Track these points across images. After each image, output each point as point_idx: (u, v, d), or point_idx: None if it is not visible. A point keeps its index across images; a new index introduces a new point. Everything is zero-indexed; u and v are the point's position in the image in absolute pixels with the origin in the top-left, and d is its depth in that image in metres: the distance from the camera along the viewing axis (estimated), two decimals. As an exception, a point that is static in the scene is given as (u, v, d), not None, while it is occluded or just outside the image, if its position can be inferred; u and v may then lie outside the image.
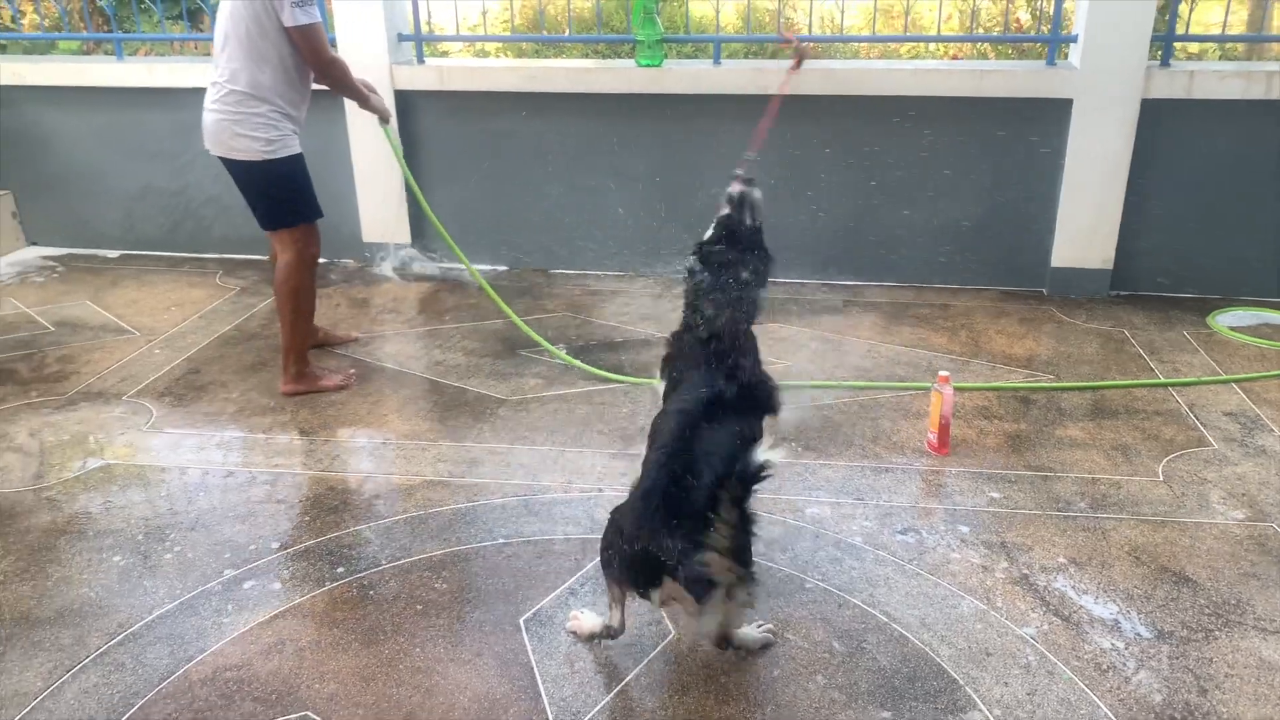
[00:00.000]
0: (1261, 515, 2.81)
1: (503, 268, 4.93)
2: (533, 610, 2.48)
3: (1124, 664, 2.26)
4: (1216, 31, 5.14)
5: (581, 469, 3.11)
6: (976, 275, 4.57)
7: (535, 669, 2.29)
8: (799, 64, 3.72)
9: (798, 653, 2.32)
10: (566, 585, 2.57)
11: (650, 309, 4.38)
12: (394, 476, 3.10)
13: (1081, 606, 2.46)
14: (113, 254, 5.27)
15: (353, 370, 3.78)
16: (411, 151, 4.78)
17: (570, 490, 3.00)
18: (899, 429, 3.32)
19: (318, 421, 3.45)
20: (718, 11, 4.91)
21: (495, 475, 3.09)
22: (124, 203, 5.21)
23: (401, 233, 4.92)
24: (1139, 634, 2.36)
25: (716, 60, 4.61)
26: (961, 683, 2.21)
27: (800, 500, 2.92)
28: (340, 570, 2.65)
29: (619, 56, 5.37)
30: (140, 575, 2.64)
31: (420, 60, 4.80)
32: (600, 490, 2.99)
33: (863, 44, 6.13)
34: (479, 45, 6.36)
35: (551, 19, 6.14)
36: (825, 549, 2.70)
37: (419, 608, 2.50)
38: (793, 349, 3.94)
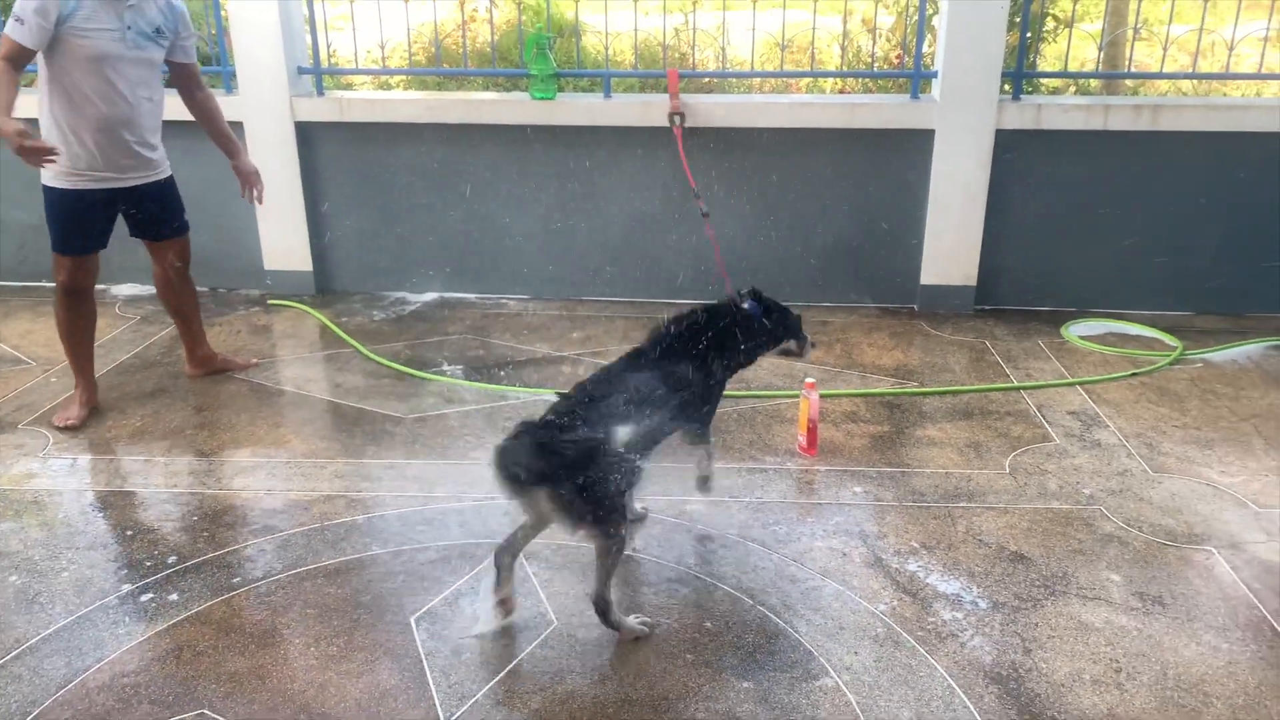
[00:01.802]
0: (1092, 500, 3.11)
1: (404, 294, 5.05)
2: (424, 609, 2.62)
3: (962, 632, 2.51)
4: (1076, 68, 5.58)
5: (475, 480, 3.26)
6: (853, 294, 4.88)
7: (424, 661, 2.43)
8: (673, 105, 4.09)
9: (670, 634, 2.51)
10: (456, 586, 2.71)
11: (547, 330, 4.57)
12: (292, 493, 3.20)
13: (928, 584, 2.71)
14: (14, 284, 5.24)
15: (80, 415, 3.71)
16: (312, 181, 4.90)
17: (464, 500, 3.15)
18: (773, 433, 3.56)
19: (216, 443, 3.53)
20: (607, 47, 5.15)
21: (391, 489, 3.22)
22: (19, 233, 5.19)
23: (303, 260, 5.02)
24: (977, 605, 2.62)
25: (607, 94, 4.86)
26: (816, 654, 2.43)
27: (680, 500, 3.12)
28: (237, 580, 2.74)
29: (518, 89, 5.58)
30: (37, 593, 2.69)
31: (320, 93, 4.94)
32: (493, 499, 3.14)
33: (756, 78, 6.47)
34: (382, 77, 6.50)
35: (450, 52, 6.33)
36: (698, 543, 2.90)
37: (313, 612, 2.61)
38: (680, 364, 4.16)
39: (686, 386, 2.67)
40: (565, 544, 2.90)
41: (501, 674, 2.38)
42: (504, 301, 4.97)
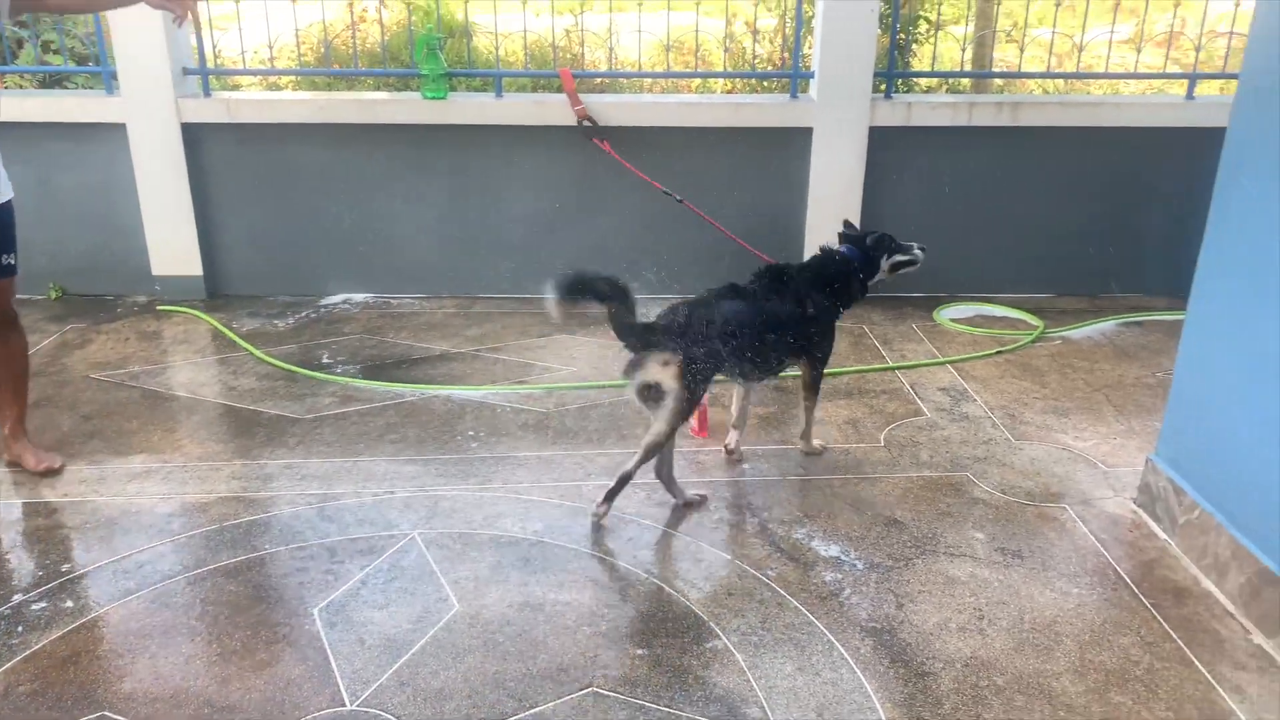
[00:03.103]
0: (959, 467, 3.35)
1: (299, 296, 5.03)
2: (326, 601, 2.67)
3: (841, 591, 2.69)
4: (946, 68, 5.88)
5: (374, 475, 3.32)
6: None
7: (329, 650, 2.48)
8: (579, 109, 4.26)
9: (567, 610, 2.62)
10: (358, 577, 2.77)
11: (444, 327, 4.62)
12: (188, 496, 3.20)
13: (811, 549, 2.88)
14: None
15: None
16: (201, 183, 4.85)
17: (363, 495, 3.20)
18: (667, 419, 3.70)
19: (110, 450, 3.48)
20: (497, 47, 5.23)
21: (289, 488, 3.24)
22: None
23: (193, 264, 4.95)
24: (855, 567, 2.80)
25: (499, 93, 4.94)
26: (706, 619, 2.57)
27: (579, 485, 3.24)
28: (134, 585, 2.74)
29: (410, 89, 5.61)
30: (-79, 605, 2.64)
31: (206, 94, 4.88)
32: (392, 493, 3.21)
33: (646, 79, 6.63)
34: (271, 78, 6.43)
35: (340, 52, 6.31)
36: (598, 524, 3.02)
37: (214, 610, 2.64)
38: (579, 357, 4.27)
39: (802, 320, 3.21)
40: (466, 532, 2.99)
41: (405, 657, 2.45)
42: (401, 300, 5.00)
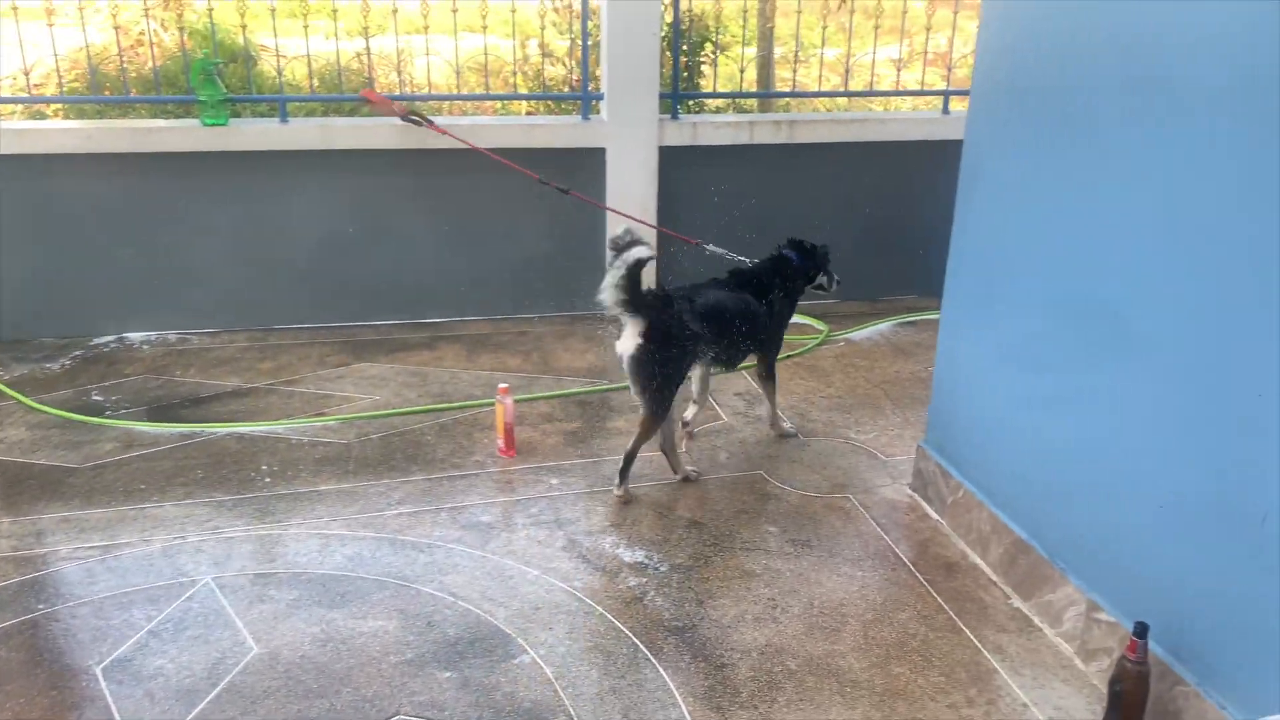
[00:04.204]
0: (754, 466, 3.53)
1: (76, 337, 4.70)
2: (110, 658, 2.52)
3: (645, 594, 2.78)
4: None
5: (162, 521, 3.15)
6: (547, 304, 5.14)
7: (113, 708, 2.34)
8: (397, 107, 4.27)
9: (371, 642, 2.58)
10: (147, 629, 2.63)
11: (237, 362, 4.44)
12: (-52, 560, 2.94)
13: (616, 557, 2.96)
14: None
15: None
16: (-51, 222, 4.46)
17: (150, 543, 3.03)
18: (474, 441, 3.70)
19: None
20: (280, 71, 5.09)
21: (67, 541, 3.03)
22: None
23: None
24: (658, 570, 2.91)
25: (284, 118, 4.80)
26: (514, 635, 2.60)
27: (382, 515, 3.19)
28: (-118, 660, 2.50)
29: (191, 116, 5.36)
30: None
31: (-47, 125, 4.50)
32: (182, 538, 3.06)
33: (444, 101, 6.60)
34: (36, 106, 5.98)
35: (110, 78, 5.95)
36: (402, 551, 2.99)
37: (-19, 679, 2.44)
38: (380, 384, 4.20)
39: (760, 314, 3.52)
40: (263, 572, 2.89)
41: (199, 707, 2.35)
42: (189, 337, 4.76)
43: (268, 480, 3.40)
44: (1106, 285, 2.41)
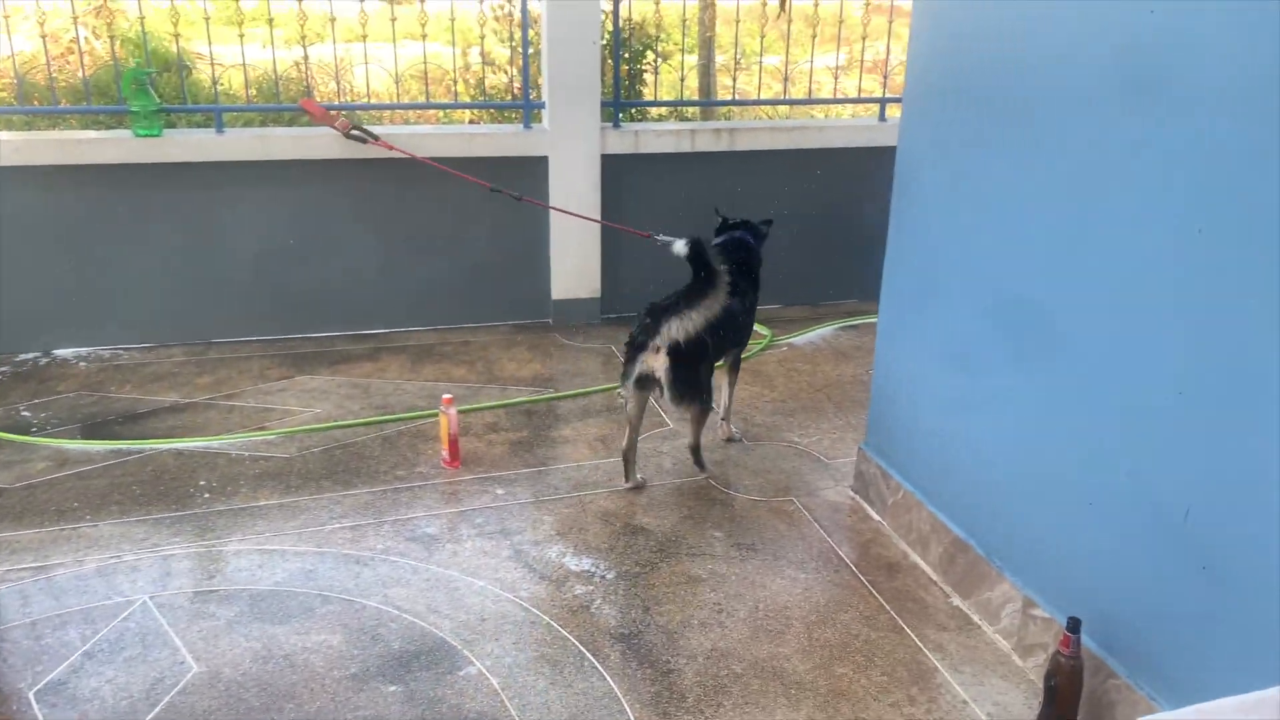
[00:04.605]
0: (699, 472, 3.55)
1: (4, 355, 4.57)
2: (44, 682, 2.46)
3: (592, 602, 2.79)
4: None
5: (97, 540, 3.08)
6: (492, 313, 5.13)
7: (47, 734, 2.29)
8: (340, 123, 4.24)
9: (315, 657, 2.55)
10: (82, 650, 2.57)
11: (174, 377, 4.35)
12: None
13: (563, 566, 2.97)
14: None
15: None
16: None
17: (84, 563, 2.96)
18: (418, 452, 3.68)
19: None
20: (215, 82, 5.02)
21: (-2, 563, 2.96)
22: None
23: None
24: (605, 578, 2.92)
25: (219, 129, 4.73)
26: (460, 647, 2.59)
27: (325, 529, 3.16)
28: None
29: (124, 127, 5.26)
30: None
31: None
32: (119, 558, 2.99)
33: (390, 110, 6.55)
34: (-47, 119, 5.83)
35: (37, 88, 5.81)
36: (346, 565, 2.96)
37: (-95, 709, 2.36)
38: (322, 397, 4.16)
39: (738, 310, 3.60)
40: (203, 589, 2.84)
41: (137, 730, 2.31)
42: (124, 352, 4.66)
43: (207, 496, 3.35)
44: (1032, 287, 2.48)
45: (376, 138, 4.63)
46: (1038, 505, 2.52)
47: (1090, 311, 2.29)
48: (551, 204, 4.89)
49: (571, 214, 4.71)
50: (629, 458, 3.43)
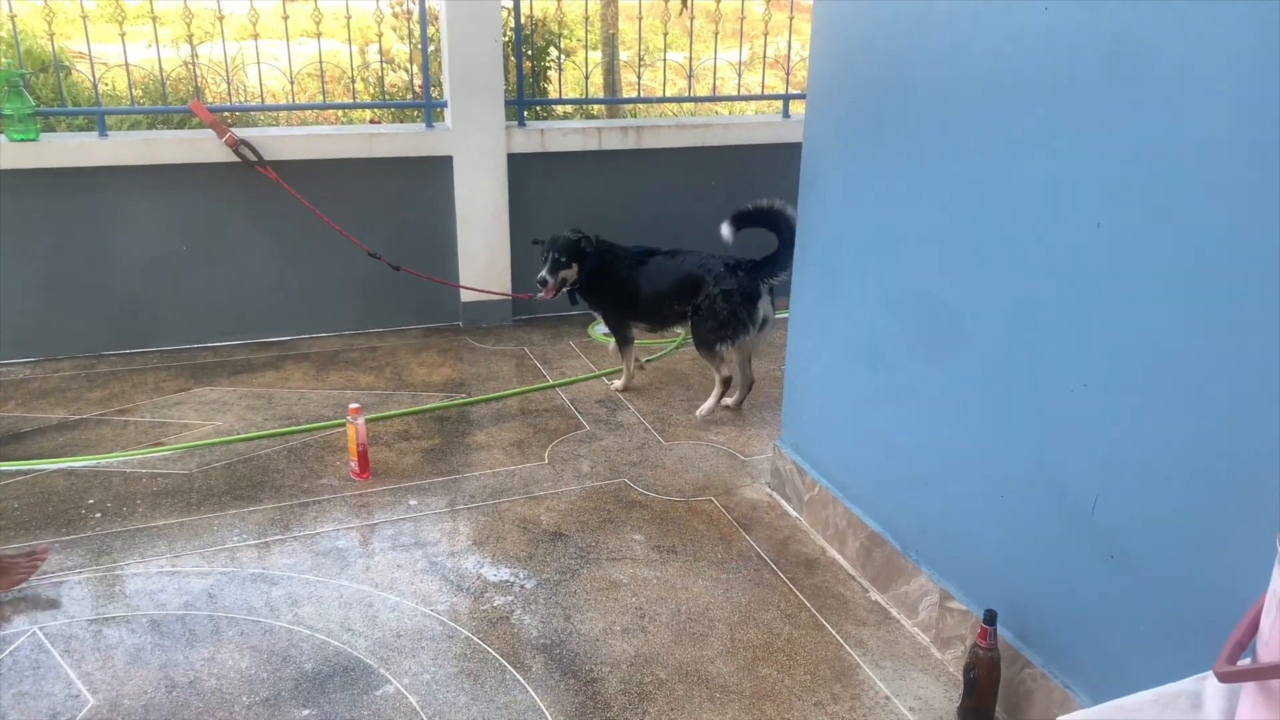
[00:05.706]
0: (617, 474, 3.53)
1: None
2: (-78, 728, 2.29)
3: (512, 613, 2.74)
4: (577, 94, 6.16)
5: (-21, 571, 2.88)
6: (400, 317, 5.01)
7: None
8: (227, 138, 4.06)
9: (222, 683, 2.44)
10: (-36, 692, 2.40)
11: (62, 392, 4.12)
12: None
13: (481, 576, 2.90)
14: None
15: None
16: None
17: (-34, 595, 2.78)
18: (325, 464, 3.56)
19: None
20: (95, 84, 4.77)
21: None
22: None
23: None
24: (524, 587, 2.86)
25: (102, 132, 4.49)
26: (376, 666, 2.51)
27: (230, 548, 3.02)
28: None
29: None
30: None
31: None
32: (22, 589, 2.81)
33: (286, 110, 6.33)
34: None
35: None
36: (253, 585, 2.84)
37: None
38: (221, 409, 3.99)
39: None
40: (98, 618, 2.69)
41: (29, 774, 2.17)
42: (6, 368, 4.39)
43: (98, 517, 3.18)
44: (937, 281, 2.52)
45: (266, 166, 4.47)
46: (950, 498, 2.57)
47: (995, 305, 2.33)
48: (455, 210, 4.79)
49: (476, 289, 4.61)
50: (737, 381, 4.09)
